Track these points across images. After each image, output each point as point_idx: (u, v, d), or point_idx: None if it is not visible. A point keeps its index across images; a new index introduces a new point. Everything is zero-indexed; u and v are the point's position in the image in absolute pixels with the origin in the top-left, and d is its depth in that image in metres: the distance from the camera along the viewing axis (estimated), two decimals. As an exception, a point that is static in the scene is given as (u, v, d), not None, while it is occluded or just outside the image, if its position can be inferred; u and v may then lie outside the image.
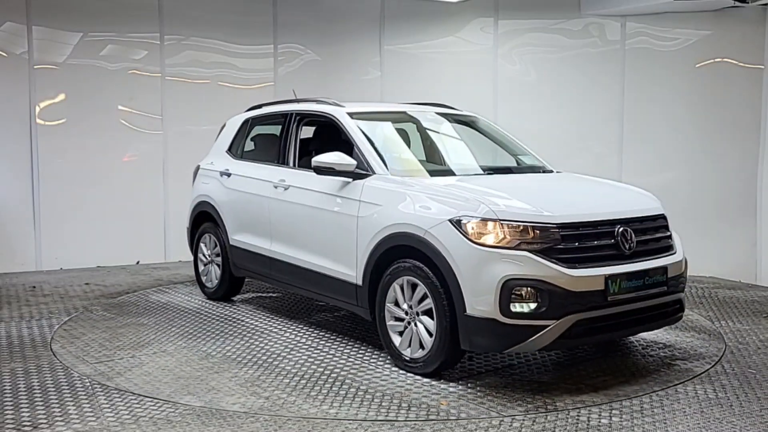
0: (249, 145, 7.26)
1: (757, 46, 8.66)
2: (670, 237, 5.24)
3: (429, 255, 4.80)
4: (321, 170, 5.57)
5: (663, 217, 5.27)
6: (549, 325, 4.49)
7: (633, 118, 9.21)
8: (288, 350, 5.61)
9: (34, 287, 7.89)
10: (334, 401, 4.53)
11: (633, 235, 4.86)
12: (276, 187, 6.31)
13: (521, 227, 4.58)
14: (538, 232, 4.58)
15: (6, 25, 8.76)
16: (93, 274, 8.63)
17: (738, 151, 8.82)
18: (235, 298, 7.35)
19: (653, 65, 9.10)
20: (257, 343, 5.82)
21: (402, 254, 5.02)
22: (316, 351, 5.58)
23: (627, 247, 4.81)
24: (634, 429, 4.11)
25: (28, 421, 4.19)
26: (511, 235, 4.57)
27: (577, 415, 4.30)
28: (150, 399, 4.55)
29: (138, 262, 9.38)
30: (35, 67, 8.82)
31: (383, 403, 4.49)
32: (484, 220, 4.62)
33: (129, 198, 9.29)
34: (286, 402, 4.52)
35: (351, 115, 5.97)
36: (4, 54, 8.75)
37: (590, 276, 4.57)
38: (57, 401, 4.50)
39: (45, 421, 4.20)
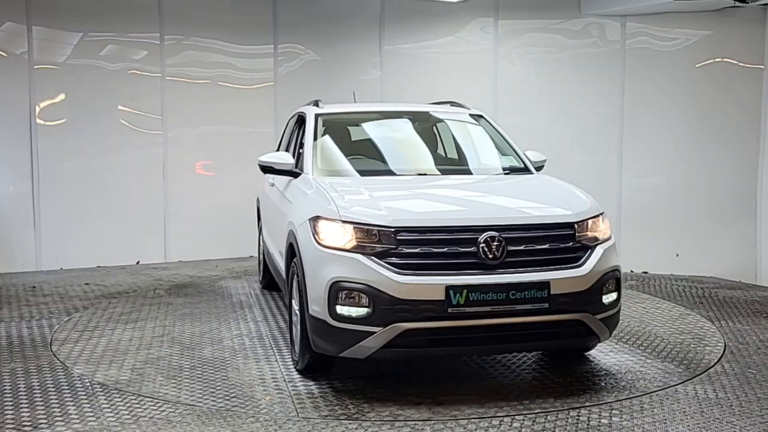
0: (283, 146, 7.46)
1: (757, 46, 8.66)
2: (578, 248, 4.63)
3: (297, 252, 4.88)
4: (264, 168, 5.72)
5: (569, 225, 4.66)
6: (375, 332, 4.31)
7: (633, 118, 9.21)
8: (230, 336, 6.02)
9: (34, 287, 7.89)
10: (184, 385, 4.82)
11: (504, 244, 4.43)
12: (270, 185, 6.67)
13: (359, 229, 4.46)
14: (375, 235, 4.43)
15: (6, 25, 8.77)
16: (93, 274, 8.63)
17: (738, 150, 8.82)
18: None
19: (653, 65, 9.10)
20: (221, 328, 6.27)
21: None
22: (252, 340, 5.89)
23: (490, 256, 4.41)
24: (634, 429, 4.11)
25: (28, 421, 4.19)
26: (349, 237, 4.46)
27: (577, 415, 4.30)
28: (149, 399, 4.55)
29: (138, 262, 9.38)
30: (35, 67, 8.82)
31: (219, 392, 4.68)
32: (329, 220, 4.59)
33: (129, 198, 9.29)
34: (146, 380, 4.92)
35: (318, 116, 6.06)
36: (4, 54, 8.75)
37: (424, 284, 4.30)
38: (57, 401, 4.51)
39: (45, 421, 4.20)
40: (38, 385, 4.79)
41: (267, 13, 9.92)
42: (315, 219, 4.67)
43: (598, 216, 4.84)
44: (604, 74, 9.33)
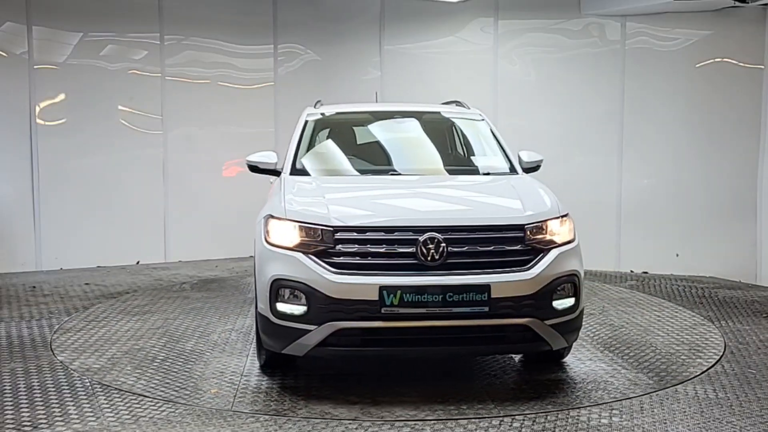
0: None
1: (757, 46, 8.65)
2: (528, 251, 4.52)
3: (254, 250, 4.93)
4: (251, 167, 5.76)
5: (518, 228, 4.55)
6: (310, 330, 4.37)
7: (633, 118, 9.21)
8: (221, 330, 6.21)
9: (34, 287, 7.89)
10: (146, 375, 5.02)
11: (445, 246, 4.38)
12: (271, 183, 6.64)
13: (303, 228, 4.52)
14: (317, 234, 4.47)
15: (6, 25, 8.77)
16: (93, 274, 8.63)
17: (738, 151, 8.81)
18: None
19: (653, 65, 9.09)
20: (218, 322, 6.46)
21: None
22: (239, 335, 6.03)
23: (429, 257, 4.36)
24: (634, 429, 4.11)
25: (28, 421, 4.19)
26: (293, 236, 4.53)
27: (577, 415, 4.30)
28: (150, 399, 4.55)
29: (138, 262, 9.38)
30: (35, 67, 8.82)
31: (174, 383, 4.85)
32: (277, 219, 4.67)
33: (129, 198, 9.30)
34: (114, 368, 5.14)
35: (309, 116, 6.11)
36: (4, 54, 8.75)
37: (358, 284, 4.31)
38: (57, 401, 4.51)
39: (45, 421, 4.20)
40: (38, 385, 4.79)
41: (267, 13, 9.93)
42: (267, 218, 4.76)
43: (556, 218, 4.70)
44: (604, 74, 9.32)
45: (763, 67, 8.65)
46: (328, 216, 4.53)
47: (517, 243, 4.53)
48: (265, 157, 5.71)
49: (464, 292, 4.32)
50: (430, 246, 4.38)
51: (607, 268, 9.13)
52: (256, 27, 9.90)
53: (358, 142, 6.22)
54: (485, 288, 4.34)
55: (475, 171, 5.79)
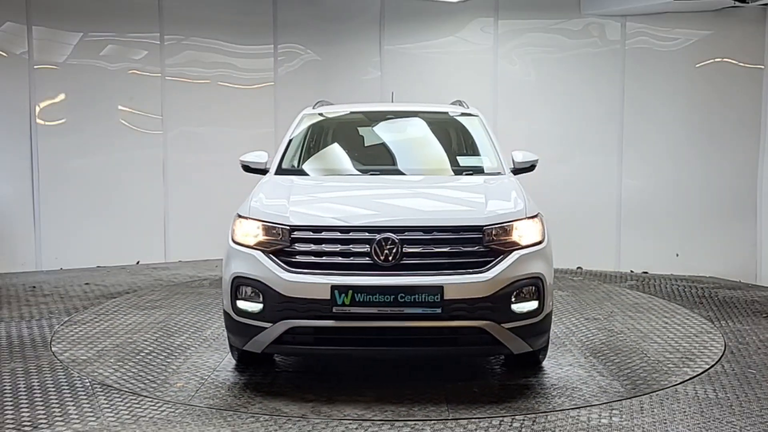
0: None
1: (757, 46, 8.65)
2: (487, 253, 4.46)
3: None
4: (244, 167, 5.80)
5: (476, 229, 4.49)
6: (266, 328, 4.44)
7: (633, 118, 9.21)
8: (216, 326, 6.24)
9: (34, 287, 7.89)
10: (125, 367, 5.14)
11: (399, 246, 4.37)
12: None
13: (263, 227, 4.59)
14: (277, 234, 4.54)
15: (6, 25, 8.77)
16: (93, 274, 8.63)
17: (738, 150, 8.81)
18: None
19: (653, 65, 9.09)
20: (218, 319, 6.40)
21: None
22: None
23: (382, 257, 4.37)
24: (634, 429, 4.11)
25: (28, 421, 4.19)
26: (255, 234, 4.61)
27: (577, 415, 4.30)
28: (150, 399, 4.56)
29: (138, 262, 9.38)
30: (35, 67, 8.82)
31: (147, 376, 4.97)
32: (243, 218, 4.75)
33: (129, 198, 9.30)
34: (98, 360, 5.29)
35: (304, 116, 6.15)
36: (4, 54, 8.75)
37: (310, 283, 4.35)
38: (57, 401, 4.51)
39: (45, 421, 4.20)
40: (38, 385, 4.79)
41: (267, 13, 9.93)
42: (235, 217, 4.83)
43: (522, 220, 4.62)
44: (604, 74, 9.32)
45: (763, 67, 8.66)
46: (287, 215, 4.59)
47: (475, 244, 4.49)
48: (257, 157, 5.75)
49: (416, 293, 4.31)
50: (385, 246, 4.39)
51: (607, 268, 9.13)
52: (256, 27, 9.90)
53: (349, 143, 6.22)
54: (438, 289, 4.32)
55: (457, 171, 5.64)
